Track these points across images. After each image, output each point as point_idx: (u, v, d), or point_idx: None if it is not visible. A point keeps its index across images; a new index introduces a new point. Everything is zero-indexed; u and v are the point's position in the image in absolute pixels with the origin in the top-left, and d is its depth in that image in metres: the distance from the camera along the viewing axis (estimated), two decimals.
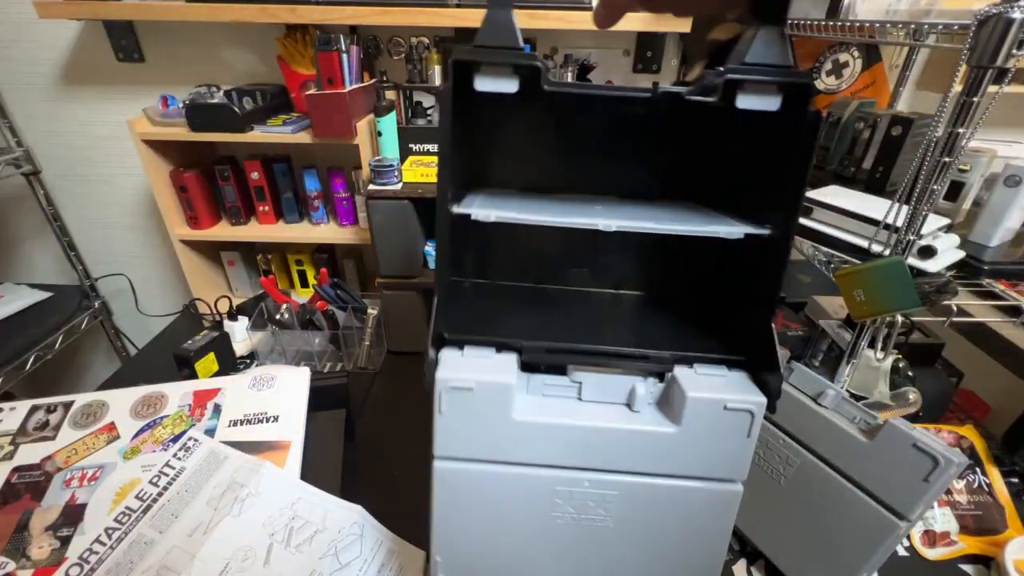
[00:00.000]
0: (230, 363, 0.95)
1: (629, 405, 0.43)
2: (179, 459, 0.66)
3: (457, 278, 0.51)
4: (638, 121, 0.48)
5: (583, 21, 0.91)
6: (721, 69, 0.35)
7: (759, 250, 0.40)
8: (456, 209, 0.40)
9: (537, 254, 0.54)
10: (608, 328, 0.48)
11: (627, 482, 0.43)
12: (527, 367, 0.44)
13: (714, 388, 0.40)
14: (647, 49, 1.06)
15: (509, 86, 0.36)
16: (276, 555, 0.58)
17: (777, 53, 0.35)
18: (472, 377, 0.40)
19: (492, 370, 0.41)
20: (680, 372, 0.42)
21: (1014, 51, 0.45)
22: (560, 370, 0.44)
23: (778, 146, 0.40)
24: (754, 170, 0.45)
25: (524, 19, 0.91)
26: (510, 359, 0.42)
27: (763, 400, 0.40)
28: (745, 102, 0.36)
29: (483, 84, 0.37)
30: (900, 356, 0.66)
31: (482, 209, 0.40)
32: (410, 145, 1.01)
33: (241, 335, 1.05)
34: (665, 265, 0.53)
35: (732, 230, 0.39)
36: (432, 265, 0.96)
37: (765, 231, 0.39)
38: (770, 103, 0.36)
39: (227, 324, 1.06)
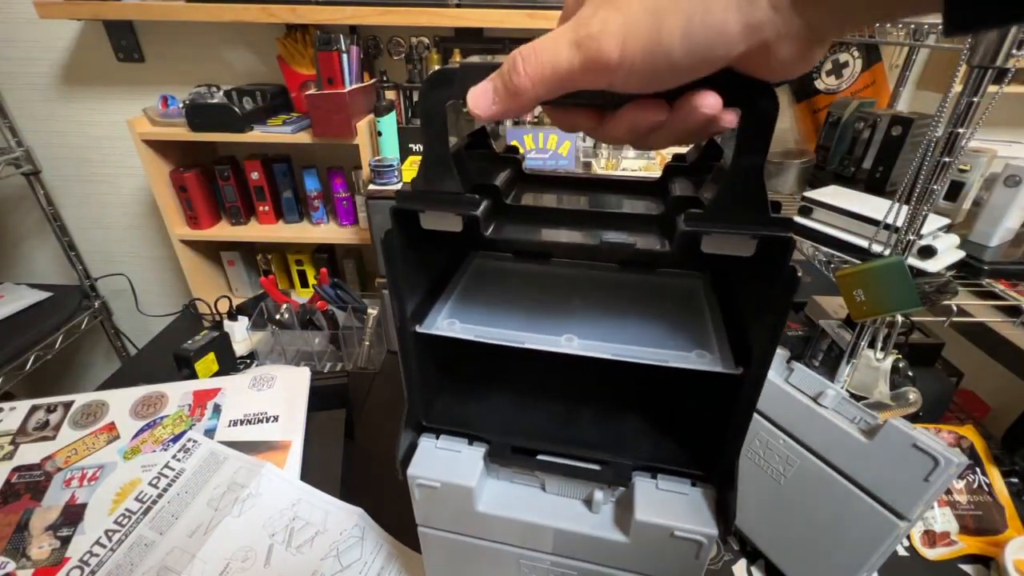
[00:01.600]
0: (230, 363, 0.95)
1: (588, 504, 0.45)
2: (179, 460, 0.66)
3: (432, 369, 0.51)
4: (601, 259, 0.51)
5: None
6: (682, 217, 0.31)
7: (732, 381, 0.39)
8: (419, 329, 0.42)
9: (514, 356, 0.53)
10: (580, 418, 0.49)
11: (586, 568, 0.46)
12: (498, 458, 0.47)
13: (666, 510, 0.41)
14: None
15: (453, 227, 0.37)
16: (277, 556, 0.58)
17: (753, 193, 0.30)
18: (438, 478, 0.44)
19: (459, 469, 0.45)
20: (640, 484, 0.43)
21: (1014, 51, 0.45)
22: (530, 464, 0.46)
23: (759, 275, 0.37)
24: (738, 280, 0.45)
25: (524, 19, 0.91)
26: (479, 453, 0.46)
27: (713, 532, 0.40)
28: (711, 247, 0.33)
29: (429, 224, 0.38)
30: (900, 356, 0.66)
31: (447, 326, 0.43)
32: (410, 145, 1.01)
33: (241, 335, 1.05)
34: (639, 375, 0.50)
35: (694, 365, 0.39)
36: None
37: (734, 372, 0.38)
38: (742, 249, 0.33)
39: (227, 324, 1.06)
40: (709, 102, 0.22)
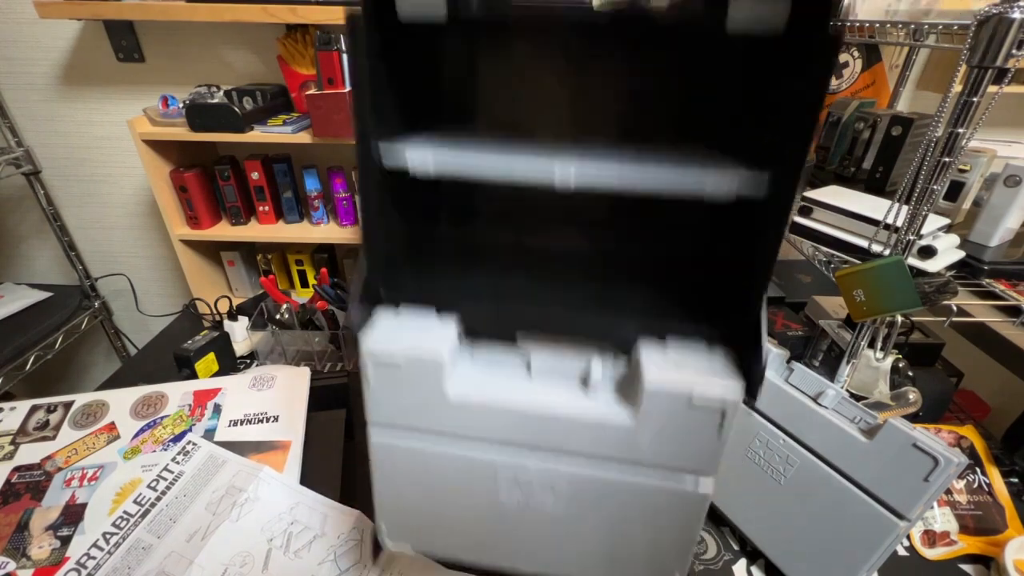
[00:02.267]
0: (230, 363, 0.95)
1: (584, 383, 0.37)
2: (178, 463, 0.66)
3: (397, 220, 0.42)
4: (605, 44, 0.39)
5: None
6: None
7: (753, 206, 0.31)
8: (388, 160, 0.34)
9: (491, 202, 0.45)
10: (569, 288, 0.41)
11: (575, 473, 0.37)
12: (473, 333, 0.38)
13: (680, 372, 0.33)
14: None
15: (436, 9, 0.30)
16: (275, 561, 0.58)
17: None
18: (400, 352, 0.34)
19: (424, 344, 0.35)
20: (646, 349, 0.35)
21: (1014, 51, 0.45)
22: (510, 338, 0.38)
23: (781, 75, 0.30)
24: (751, 104, 0.36)
25: None
26: (450, 325, 0.37)
27: (738, 394, 0.33)
28: (738, 20, 0.26)
29: (407, 7, 0.30)
30: (900, 356, 0.66)
31: (418, 156, 0.33)
32: None
33: (241, 335, 1.05)
34: (642, 211, 0.43)
35: (718, 185, 0.31)
36: None
37: (759, 194, 0.31)
38: (773, 20, 0.26)
39: (227, 324, 1.06)
40: None
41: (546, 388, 0.36)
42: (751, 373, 0.33)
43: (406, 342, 0.35)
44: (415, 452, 0.39)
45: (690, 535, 0.38)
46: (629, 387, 0.35)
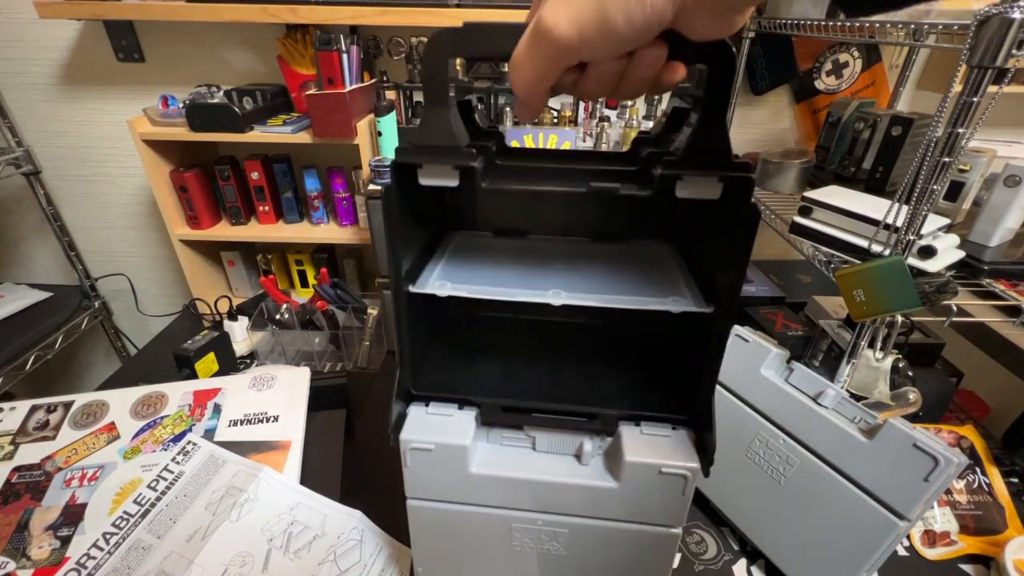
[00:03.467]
0: (230, 363, 0.95)
1: (578, 457, 0.47)
2: (178, 463, 0.66)
3: (422, 334, 0.53)
4: (586, 200, 0.53)
5: None
6: (659, 163, 0.35)
7: (704, 322, 0.42)
8: (412, 288, 0.44)
9: (500, 316, 0.60)
10: (565, 380, 0.51)
11: (575, 523, 0.48)
12: (487, 422, 0.48)
13: (653, 451, 0.44)
14: None
15: (450, 181, 0.39)
16: (275, 561, 0.58)
17: (718, 144, 0.34)
18: (432, 439, 0.45)
19: (451, 431, 0.45)
20: (625, 431, 0.46)
21: (1014, 51, 0.45)
22: (518, 425, 0.48)
23: (721, 230, 0.41)
24: (703, 242, 0.48)
25: (524, 19, 0.91)
26: (470, 416, 0.47)
27: (696, 466, 0.43)
28: (684, 192, 0.37)
29: (426, 179, 0.39)
30: (900, 356, 0.66)
31: (438, 286, 0.44)
32: None
33: (241, 335, 1.05)
34: (619, 322, 0.58)
35: (670, 307, 0.42)
36: None
37: (704, 310, 0.41)
38: (710, 192, 0.36)
39: (227, 324, 1.06)
40: (652, 54, 0.27)
41: (549, 462, 0.47)
42: (706, 449, 0.43)
43: (436, 432, 0.45)
44: (444, 514, 0.49)
45: (668, 562, 0.50)
46: (613, 460, 0.46)
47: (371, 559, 0.60)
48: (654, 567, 0.50)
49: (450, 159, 0.37)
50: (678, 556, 0.63)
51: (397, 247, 0.41)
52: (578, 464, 0.47)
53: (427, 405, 0.48)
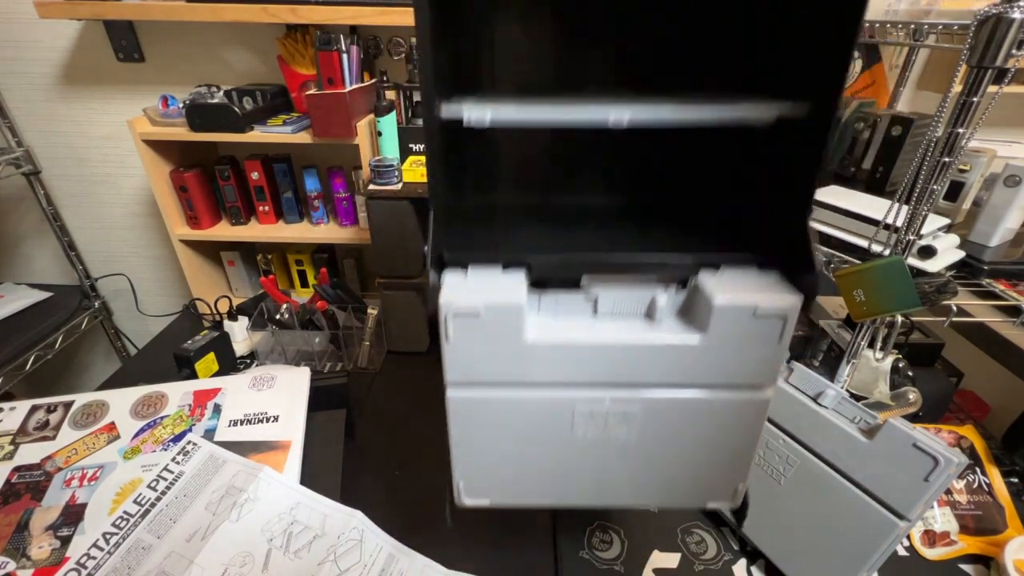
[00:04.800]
0: (230, 363, 0.95)
1: (649, 316, 0.39)
2: (178, 463, 0.66)
3: (453, 195, 0.45)
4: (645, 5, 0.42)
5: None
6: None
7: (793, 132, 0.35)
8: (446, 113, 0.35)
9: (541, 162, 0.49)
10: (623, 234, 0.44)
11: (650, 398, 0.40)
12: (537, 284, 0.40)
13: (743, 292, 0.36)
14: None
15: None
16: (275, 561, 0.58)
17: None
18: (478, 300, 0.36)
19: (499, 291, 0.37)
20: (704, 277, 0.38)
21: (1014, 51, 0.45)
22: (574, 283, 0.40)
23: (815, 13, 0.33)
24: (786, 36, 0.38)
25: None
26: (518, 277, 0.39)
27: (798, 301, 0.36)
28: None
29: None
30: (900, 356, 0.66)
31: (475, 111, 0.35)
32: (410, 145, 1.01)
33: (241, 335, 1.05)
34: (685, 161, 0.47)
35: (760, 113, 0.34)
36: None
37: (799, 111, 0.34)
38: None
39: (227, 324, 1.06)
40: None
41: (615, 324, 0.39)
42: (805, 283, 0.35)
43: (482, 293, 0.37)
44: (493, 404, 0.41)
45: (753, 440, 0.42)
46: (694, 311, 0.38)
47: (371, 559, 0.60)
48: (740, 446, 0.42)
49: None
50: (678, 556, 0.63)
51: (428, 47, 0.33)
52: (650, 324, 0.39)
53: (465, 271, 0.39)
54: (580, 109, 0.37)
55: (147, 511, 0.61)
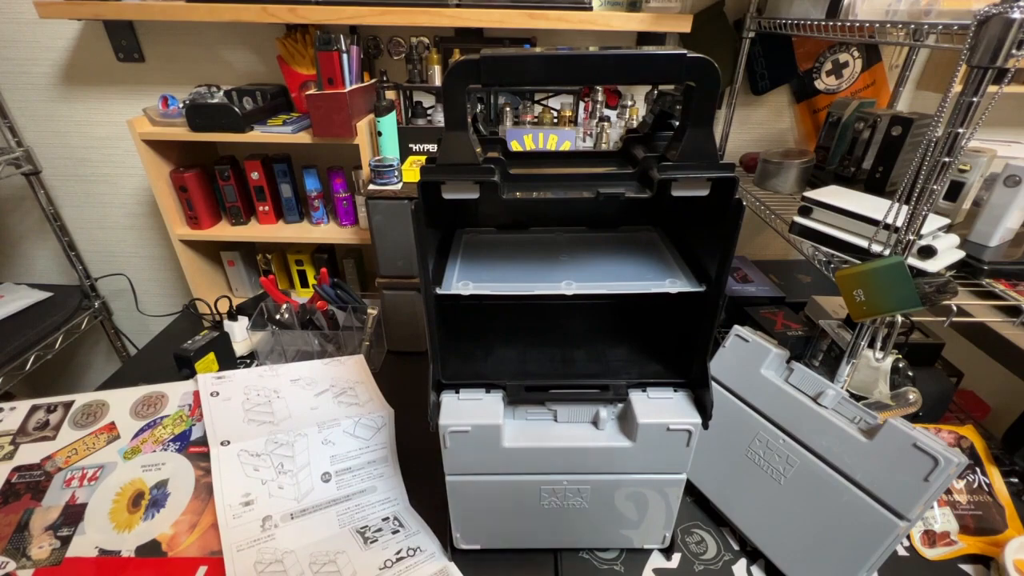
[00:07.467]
0: (230, 363, 0.95)
1: (595, 424, 0.54)
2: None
3: (447, 331, 0.59)
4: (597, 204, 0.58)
5: (583, 21, 0.91)
6: (656, 167, 0.43)
7: (698, 299, 0.50)
8: (439, 291, 0.50)
9: (517, 312, 0.66)
10: (577, 357, 0.58)
11: (596, 479, 0.56)
12: (512, 401, 0.54)
13: (660, 412, 0.52)
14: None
15: (471, 194, 0.45)
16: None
17: (706, 149, 0.42)
18: (468, 422, 0.51)
19: (483, 413, 0.52)
20: (635, 397, 0.53)
21: (1014, 51, 0.45)
22: (540, 401, 0.55)
23: (711, 220, 0.48)
24: (696, 231, 0.55)
25: (524, 19, 0.91)
26: (497, 398, 0.53)
27: (699, 421, 0.51)
28: (679, 191, 0.44)
29: (449, 194, 0.45)
30: (900, 356, 0.66)
31: (461, 287, 0.51)
32: (410, 145, 1.01)
33: (241, 335, 1.05)
34: (623, 313, 0.66)
35: (668, 288, 0.50)
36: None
37: (698, 289, 0.49)
38: (700, 190, 0.45)
39: (227, 324, 1.06)
40: None
41: (570, 430, 0.54)
42: (704, 406, 0.51)
43: (470, 415, 0.51)
44: (481, 486, 0.56)
45: (674, 505, 0.59)
46: (626, 423, 0.53)
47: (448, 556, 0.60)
48: (663, 508, 0.58)
49: (472, 175, 0.43)
50: (678, 556, 0.63)
51: (426, 256, 0.46)
52: (596, 429, 0.54)
53: (457, 392, 0.54)
54: (543, 276, 0.52)
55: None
